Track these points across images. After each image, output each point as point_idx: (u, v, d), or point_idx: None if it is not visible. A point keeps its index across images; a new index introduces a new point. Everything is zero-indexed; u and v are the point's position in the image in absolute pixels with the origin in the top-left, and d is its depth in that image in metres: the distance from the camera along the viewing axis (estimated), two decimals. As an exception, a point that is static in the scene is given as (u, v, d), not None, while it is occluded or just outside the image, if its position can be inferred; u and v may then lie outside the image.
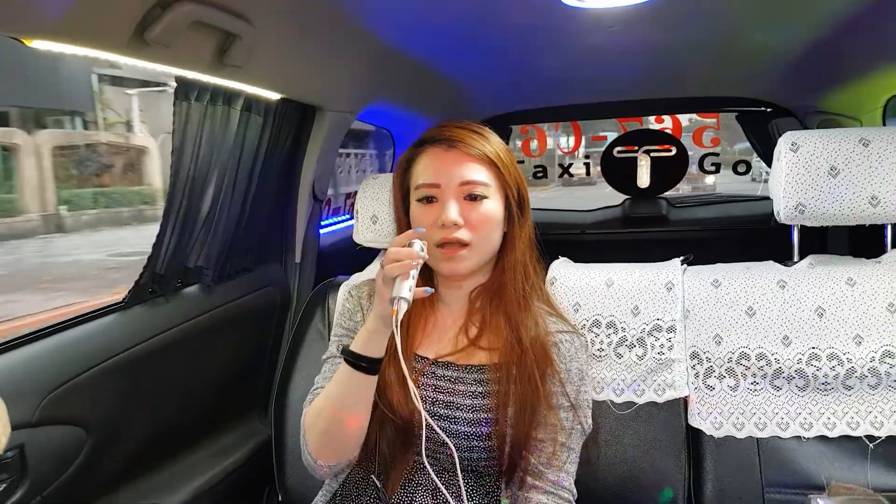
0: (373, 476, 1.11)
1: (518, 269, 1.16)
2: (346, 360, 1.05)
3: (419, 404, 0.97)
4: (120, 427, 1.33)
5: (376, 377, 1.05)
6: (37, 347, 1.20)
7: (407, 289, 0.98)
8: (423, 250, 1.01)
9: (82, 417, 1.23)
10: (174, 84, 1.34)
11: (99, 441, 1.27)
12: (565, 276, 1.39)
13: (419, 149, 1.18)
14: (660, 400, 1.30)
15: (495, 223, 1.13)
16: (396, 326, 0.96)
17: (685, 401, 1.31)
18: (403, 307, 0.96)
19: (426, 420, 0.99)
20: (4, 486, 1.10)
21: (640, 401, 1.31)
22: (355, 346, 1.05)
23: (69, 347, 1.24)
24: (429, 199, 1.13)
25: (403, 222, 1.21)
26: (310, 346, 1.50)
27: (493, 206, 1.13)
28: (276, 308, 1.82)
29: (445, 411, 1.08)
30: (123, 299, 1.38)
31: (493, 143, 1.16)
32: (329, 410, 1.07)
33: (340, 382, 1.06)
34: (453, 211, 1.09)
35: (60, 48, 0.97)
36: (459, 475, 1.03)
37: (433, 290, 1.07)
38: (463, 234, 1.09)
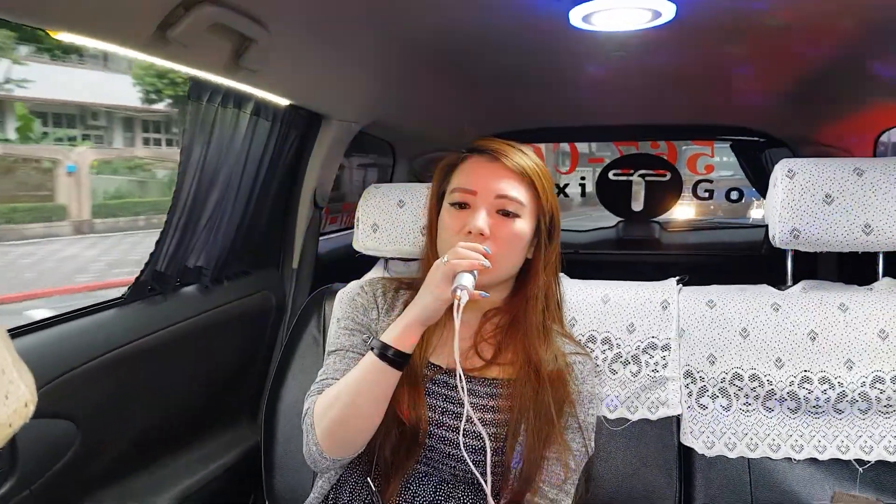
0: (369, 479, 1.10)
1: (539, 299, 1.14)
2: (375, 351, 1.04)
3: (472, 414, 1.00)
4: (110, 424, 1.33)
5: (400, 374, 1.04)
6: (34, 339, 1.20)
7: (469, 282, 0.99)
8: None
9: (74, 412, 1.23)
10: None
11: (89, 437, 1.26)
12: (563, 291, 1.40)
13: (462, 156, 1.17)
14: (653, 417, 1.32)
15: (521, 244, 1.12)
16: (457, 313, 0.97)
17: (678, 419, 1.32)
18: (465, 297, 0.98)
19: (468, 412, 1.00)
20: None
21: (633, 417, 1.32)
22: (386, 338, 1.04)
23: (66, 341, 1.24)
24: (461, 205, 1.11)
25: (434, 226, 1.19)
26: (303, 353, 1.50)
27: (523, 227, 1.11)
28: (272, 313, 1.82)
29: (454, 422, 1.07)
30: (123, 295, 1.39)
31: (536, 164, 1.14)
32: (346, 399, 1.04)
33: (363, 373, 1.04)
34: (482, 219, 1.08)
35: (84, 42, 0.98)
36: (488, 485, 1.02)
37: (488, 294, 1.05)
38: (487, 246, 1.06)
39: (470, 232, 1.07)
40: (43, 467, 1.18)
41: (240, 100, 1.46)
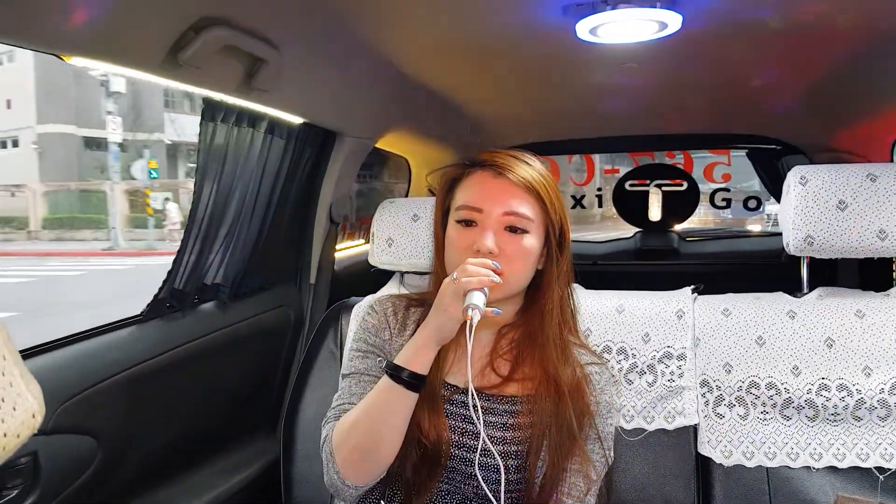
0: (382, 502, 1.09)
1: (555, 312, 1.12)
2: (389, 374, 1.02)
3: (482, 430, 0.99)
4: (131, 440, 1.34)
5: (417, 396, 1.02)
6: (55, 356, 1.22)
7: (481, 301, 0.97)
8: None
9: (95, 428, 1.24)
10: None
11: (110, 452, 1.27)
12: (577, 301, 1.40)
13: (466, 170, 1.14)
14: (669, 427, 1.30)
15: (531, 259, 1.09)
16: (470, 333, 0.96)
17: (695, 429, 1.31)
18: (477, 317, 0.96)
19: (483, 438, 0.99)
20: (17, 491, 1.11)
21: (650, 427, 1.31)
22: (401, 360, 1.02)
23: (87, 358, 1.26)
24: (468, 223, 1.08)
25: (440, 240, 1.16)
26: (322, 367, 1.50)
27: (532, 242, 1.08)
28: (290, 328, 1.83)
29: (474, 442, 1.05)
30: (142, 313, 1.41)
31: (542, 175, 1.11)
32: (365, 425, 1.02)
33: (379, 397, 1.03)
34: (490, 239, 1.05)
35: (97, 66, 1.01)
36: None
37: (500, 311, 1.03)
38: (496, 263, 1.03)
39: (479, 251, 1.05)
40: (64, 483, 1.20)
41: (253, 119, 1.48)
